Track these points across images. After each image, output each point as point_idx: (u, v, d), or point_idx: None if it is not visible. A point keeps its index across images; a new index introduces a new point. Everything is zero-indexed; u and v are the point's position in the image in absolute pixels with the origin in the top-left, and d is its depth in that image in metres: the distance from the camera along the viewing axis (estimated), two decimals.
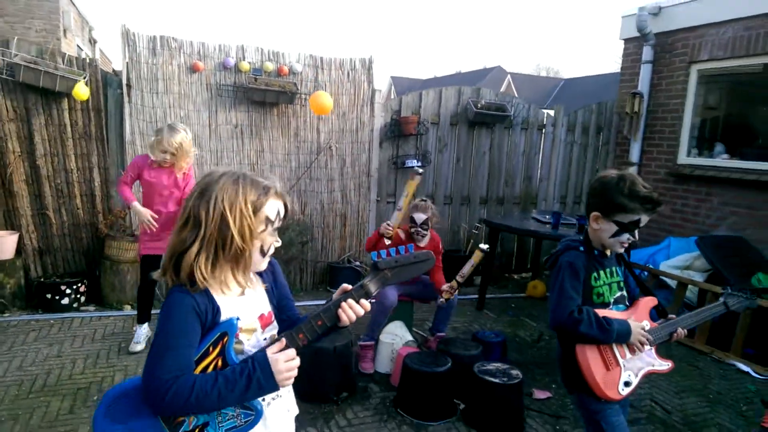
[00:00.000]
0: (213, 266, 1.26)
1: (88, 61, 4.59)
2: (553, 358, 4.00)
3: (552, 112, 6.41)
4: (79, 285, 4.56)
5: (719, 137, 5.86)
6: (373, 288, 1.35)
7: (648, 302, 2.03)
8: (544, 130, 6.38)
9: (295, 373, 1.27)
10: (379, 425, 3.04)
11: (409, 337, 3.86)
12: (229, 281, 1.31)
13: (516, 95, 33.47)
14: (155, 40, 4.67)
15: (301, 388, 3.21)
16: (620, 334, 1.85)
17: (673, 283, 4.74)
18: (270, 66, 5.02)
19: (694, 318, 2.07)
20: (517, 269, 6.54)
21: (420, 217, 3.64)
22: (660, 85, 6.16)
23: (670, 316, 2.04)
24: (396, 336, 3.81)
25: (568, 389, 2.03)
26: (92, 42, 11.99)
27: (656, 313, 2.09)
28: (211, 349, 1.24)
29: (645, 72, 6.20)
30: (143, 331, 3.82)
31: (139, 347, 3.77)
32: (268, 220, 1.29)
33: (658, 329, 1.97)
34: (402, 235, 3.75)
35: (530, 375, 3.75)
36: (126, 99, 4.62)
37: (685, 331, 2.00)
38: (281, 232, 4.52)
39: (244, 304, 1.34)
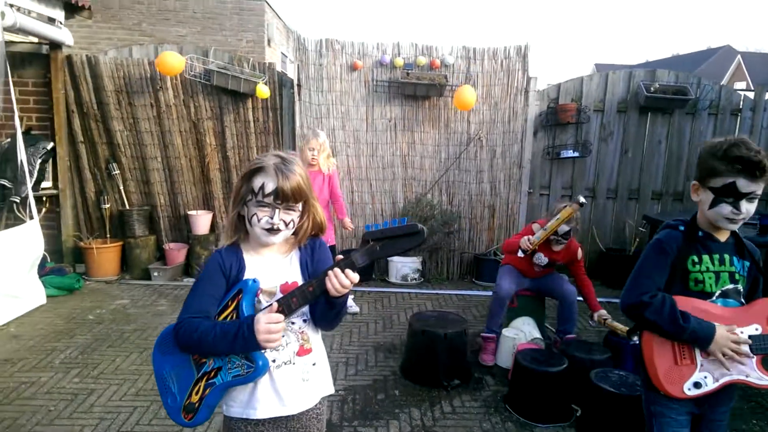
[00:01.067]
0: (235, 229, 1.52)
1: (267, 64, 5.32)
2: None
3: (751, 94, 5.41)
4: None
5: None
6: (360, 259, 1.39)
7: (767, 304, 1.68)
8: (740, 115, 5.42)
9: (276, 337, 1.37)
10: (483, 417, 3.02)
11: (537, 335, 3.72)
12: (256, 245, 1.54)
13: (747, 77, 28.62)
14: (321, 44, 5.20)
15: (412, 370, 3.40)
16: (696, 337, 1.59)
17: None
18: (423, 60, 5.20)
19: None
20: None
21: (563, 228, 3.43)
22: None
23: None
24: (520, 332, 3.70)
25: (642, 382, 1.80)
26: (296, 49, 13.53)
27: None
28: (230, 302, 1.45)
29: None
30: None
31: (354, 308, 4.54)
32: (252, 191, 1.46)
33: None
34: (536, 229, 3.61)
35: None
36: (297, 97, 5.24)
37: None
38: (425, 220, 4.72)
39: (269, 268, 1.52)
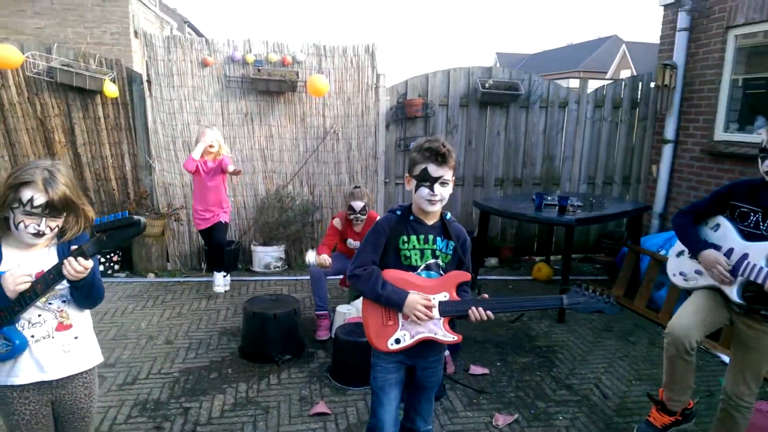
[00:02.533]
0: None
1: (114, 60, 5.28)
2: (515, 339, 3.98)
3: (576, 89, 6.12)
4: (113, 255, 5.31)
5: (765, 111, 5.24)
6: (89, 249, 1.63)
7: (458, 276, 2.05)
8: (567, 108, 6.11)
9: (20, 286, 1.60)
10: (305, 386, 3.31)
11: None
12: (17, 242, 1.71)
13: (632, 65, 31.24)
14: (169, 40, 5.24)
15: (247, 350, 3.61)
16: (391, 301, 1.94)
17: None
18: (274, 57, 5.38)
19: (507, 305, 2.08)
20: (539, 253, 6.36)
21: (358, 204, 3.83)
22: (697, 54, 5.63)
23: (483, 295, 2.07)
24: (353, 307, 4.03)
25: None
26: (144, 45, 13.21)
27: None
28: None
29: (681, 40, 5.69)
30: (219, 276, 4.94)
31: (219, 289, 4.94)
32: (20, 201, 1.62)
33: (455, 303, 2.00)
34: (339, 225, 3.97)
35: (480, 352, 3.78)
36: (147, 93, 5.25)
37: (488, 313, 1.97)
38: (282, 211, 4.88)
39: (27, 260, 1.71)
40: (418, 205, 2.02)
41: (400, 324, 2.00)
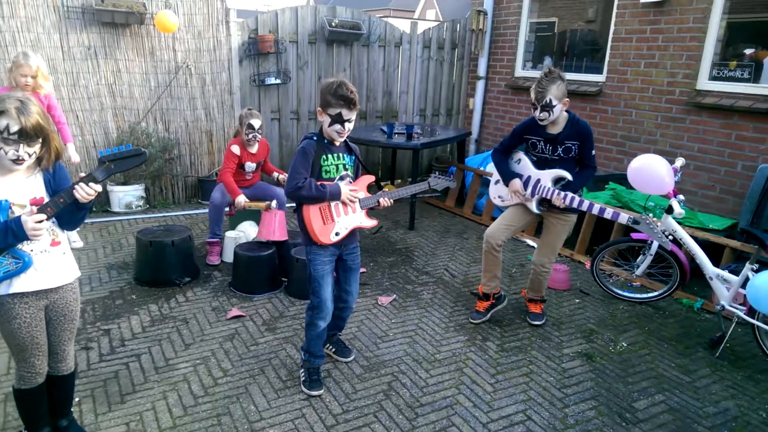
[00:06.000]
0: None
1: None
2: (379, 245, 4.83)
3: (408, 30, 6.91)
4: None
5: (550, 51, 6.64)
6: (99, 176, 1.91)
7: (366, 179, 2.74)
8: (401, 47, 6.90)
9: (41, 228, 1.83)
10: (213, 299, 3.72)
11: (254, 235, 4.50)
12: (2, 169, 1.88)
13: (436, 6, 33.41)
14: None
15: (147, 277, 3.84)
16: (333, 194, 2.55)
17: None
18: None
19: (401, 192, 2.81)
20: (383, 179, 7.25)
21: (257, 123, 4.18)
22: (501, 2, 6.79)
23: (384, 189, 2.76)
24: (242, 232, 4.44)
25: (302, 241, 2.72)
26: None
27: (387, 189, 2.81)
28: None
29: None
30: None
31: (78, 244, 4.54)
32: None
33: (369, 198, 2.69)
34: (238, 151, 4.27)
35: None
36: None
37: (391, 200, 2.72)
38: (144, 148, 4.89)
39: (18, 187, 1.91)
40: (329, 136, 2.58)
41: (336, 221, 2.60)
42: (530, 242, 5.05)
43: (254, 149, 4.31)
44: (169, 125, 5.80)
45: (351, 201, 2.62)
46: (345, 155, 2.66)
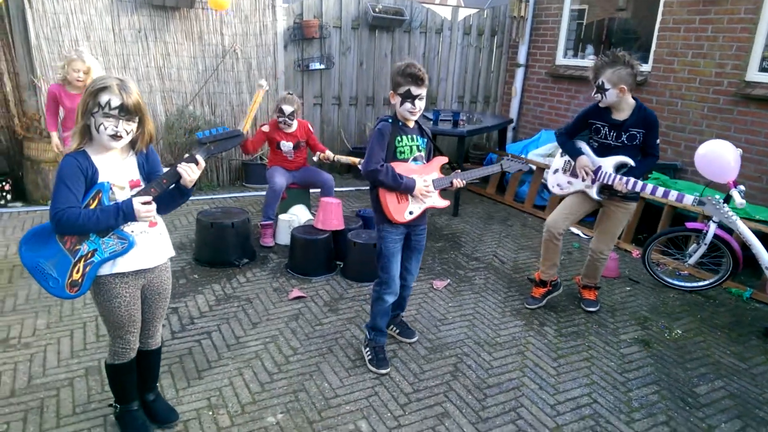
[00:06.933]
0: (82, 137, 1.90)
1: None
2: (427, 231, 4.85)
3: (449, 17, 6.90)
4: (4, 184, 4.96)
5: (591, 40, 6.59)
6: (199, 156, 1.97)
7: (440, 160, 2.81)
8: (441, 34, 6.89)
9: (150, 209, 1.92)
10: (273, 280, 3.83)
11: (309, 216, 4.60)
12: (100, 148, 1.94)
13: None
14: None
15: (208, 258, 3.96)
16: (407, 187, 2.62)
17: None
18: None
19: (474, 173, 2.87)
20: None
21: (288, 108, 4.30)
22: None
23: (457, 170, 2.83)
24: (294, 215, 4.54)
25: (375, 219, 2.80)
26: None
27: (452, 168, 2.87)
28: (90, 201, 1.91)
29: None
30: None
31: None
32: (99, 105, 1.86)
33: (442, 178, 2.76)
34: (267, 129, 4.37)
35: None
36: (27, 4, 4.77)
37: (463, 181, 2.79)
38: (192, 131, 5.03)
39: (116, 167, 1.98)
40: (402, 116, 2.64)
41: (410, 200, 2.68)
42: (575, 230, 5.08)
43: (290, 130, 4.41)
44: (215, 109, 5.90)
45: (423, 196, 2.69)
46: (418, 137, 2.73)
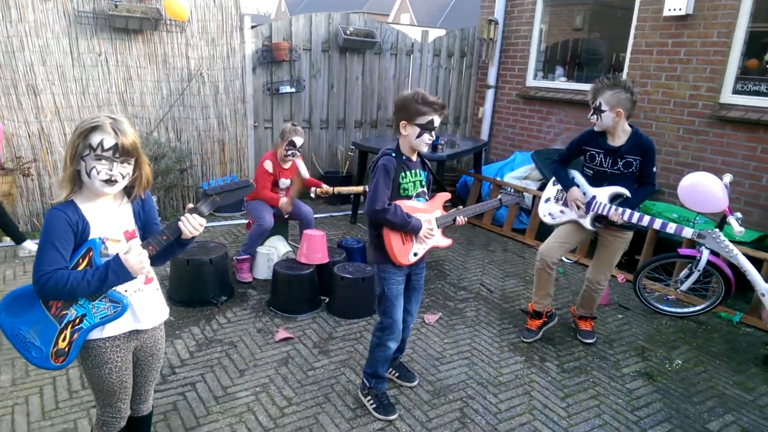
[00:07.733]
0: (72, 184, 1.66)
1: None
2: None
3: (419, 38, 6.86)
4: None
5: (559, 61, 6.67)
6: (204, 209, 1.75)
7: (443, 197, 2.67)
8: (412, 56, 6.83)
9: (145, 264, 1.68)
10: (255, 320, 3.58)
11: (287, 249, 4.36)
12: (91, 196, 1.71)
13: (410, 9, 33.54)
14: None
15: (184, 296, 3.67)
16: (414, 228, 2.47)
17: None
18: None
19: (475, 209, 2.75)
20: None
21: (299, 140, 4.08)
22: (513, 12, 6.79)
23: (459, 207, 2.69)
24: (273, 248, 4.29)
25: (372, 260, 2.64)
26: None
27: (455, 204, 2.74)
28: (80, 260, 1.66)
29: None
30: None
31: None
32: (90, 147, 1.63)
33: (445, 216, 2.62)
34: (270, 167, 4.13)
35: None
36: None
37: (465, 218, 2.66)
38: (158, 159, 4.73)
39: (110, 219, 1.74)
40: (416, 147, 2.49)
41: (414, 242, 2.52)
42: (564, 259, 5.04)
43: (287, 166, 4.18)
44: (180, 134, 5.61)
45: (426, 238, 2.54)
46: (420, 171, 2.59)
